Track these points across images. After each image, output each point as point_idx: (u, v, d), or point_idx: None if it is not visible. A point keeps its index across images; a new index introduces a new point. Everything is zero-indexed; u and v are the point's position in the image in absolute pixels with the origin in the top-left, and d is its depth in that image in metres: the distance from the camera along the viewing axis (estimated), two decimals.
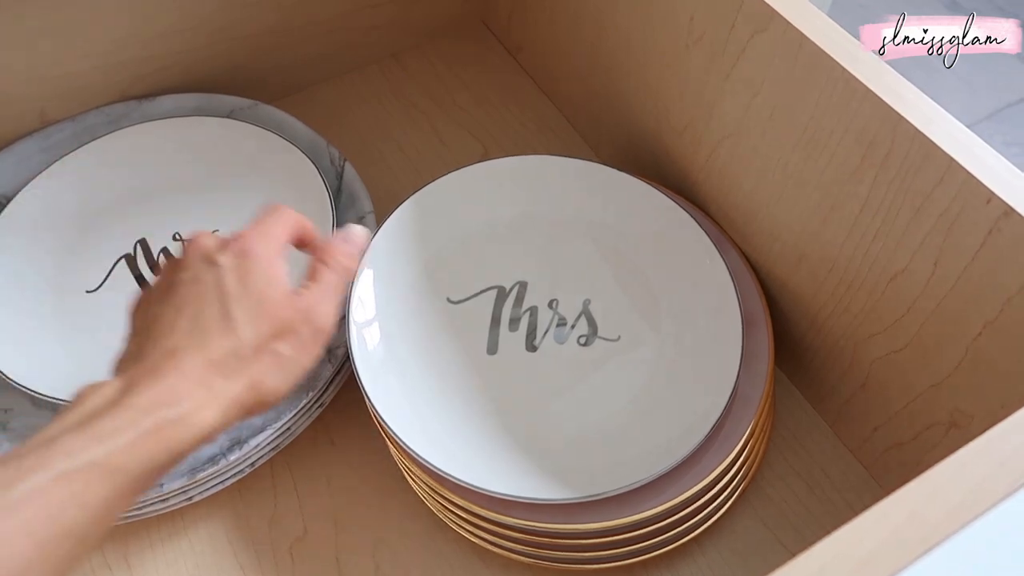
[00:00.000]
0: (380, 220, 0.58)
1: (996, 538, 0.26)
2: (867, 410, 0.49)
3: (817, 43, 0.40)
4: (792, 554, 0.28)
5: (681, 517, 0.46)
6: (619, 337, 0.51)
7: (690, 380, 0.49)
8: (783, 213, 0.48)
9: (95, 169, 0.58)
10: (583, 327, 0.52)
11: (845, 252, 0.45)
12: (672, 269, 0.52)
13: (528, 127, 0.69)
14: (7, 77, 0.58)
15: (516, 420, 0.48)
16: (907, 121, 0.37)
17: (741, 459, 0.47)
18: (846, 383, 0.50)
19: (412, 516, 0.51)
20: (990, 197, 0.35)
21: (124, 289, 0.54)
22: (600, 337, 0.51)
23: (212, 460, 0.47)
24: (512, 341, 0.51)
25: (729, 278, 0.50)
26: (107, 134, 0.60)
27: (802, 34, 0.40)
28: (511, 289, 0.53)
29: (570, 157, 0.56)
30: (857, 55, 0.39)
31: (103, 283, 0.55)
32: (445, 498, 0.45)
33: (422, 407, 0.48)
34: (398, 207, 0.54)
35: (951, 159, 0.36)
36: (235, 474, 0.49)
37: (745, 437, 0.46)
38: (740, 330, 0.48)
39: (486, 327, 0.52)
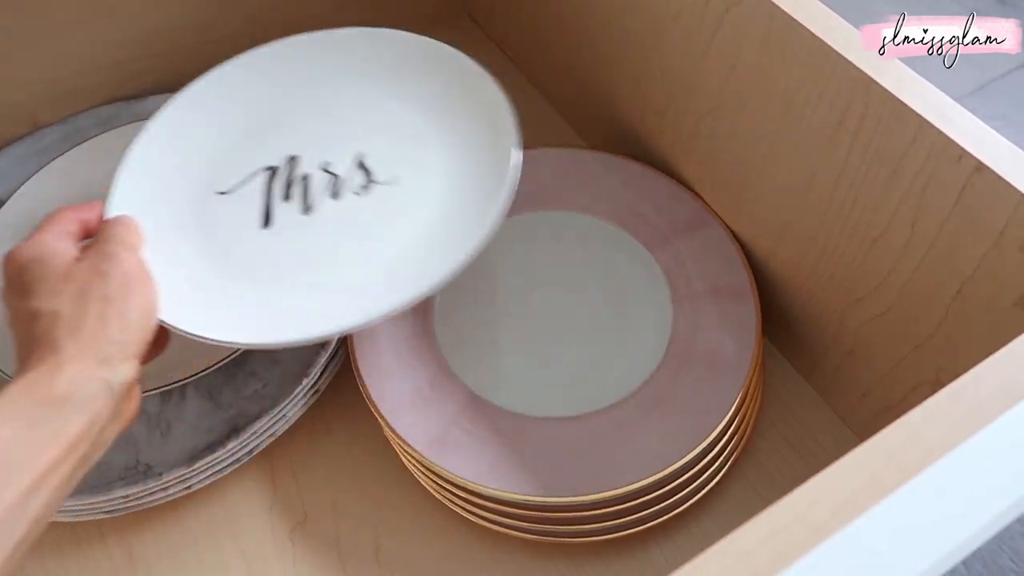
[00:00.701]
0: None
1: (967, 472, 0.26)
2: (855, 376, 0.50)
3: (789, 12, 0.41)
4: None
5: (675, 487, 0.46)
6: (398, 179, 0.49)
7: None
8: (766, 184, 0.48)
9: (85, 169, 0.59)
10: (359, 178, 0.49)
11: (827, 219, 0.45)
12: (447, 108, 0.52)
13: None
14: None
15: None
16: (878, 84, 0.38)
17: (732, 428, 0.48)
18: (833, 350, 0.51)
19: (411, 497, 0.51)
20: (961, 154, 0.36)
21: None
22: (376, 183, 0.49)
23: (210, 448, 0.48)
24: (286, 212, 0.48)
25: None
26: (97, 135, 0.60)
27: (774, 4, 0.41)
28: (284, 164, 0.50)
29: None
30: (828, 23, 0.40)
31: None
32: (441, 477, 0.46)
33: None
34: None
35: (922, 119, 0.37)
36: (233, 462, 0.49)
37: (735, 406, 0.47)
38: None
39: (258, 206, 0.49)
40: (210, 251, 0.47)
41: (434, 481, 0.48)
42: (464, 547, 0.50)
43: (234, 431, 0.48)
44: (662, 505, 0.47)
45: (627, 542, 0.49)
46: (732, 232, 0.54)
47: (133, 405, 0.39)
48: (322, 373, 0.51)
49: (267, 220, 0.48)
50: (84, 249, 0.41)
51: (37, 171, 0.59)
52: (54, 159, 0.59)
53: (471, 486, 0.45)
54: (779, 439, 0.53)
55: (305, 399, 0.51)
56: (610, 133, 0.63)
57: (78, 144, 0.60)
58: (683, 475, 0.46)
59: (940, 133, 0.36)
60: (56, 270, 0.38)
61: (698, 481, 0.48)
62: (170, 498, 0.49)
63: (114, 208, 0.45)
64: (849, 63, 0.39)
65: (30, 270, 0.39)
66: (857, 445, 0.49)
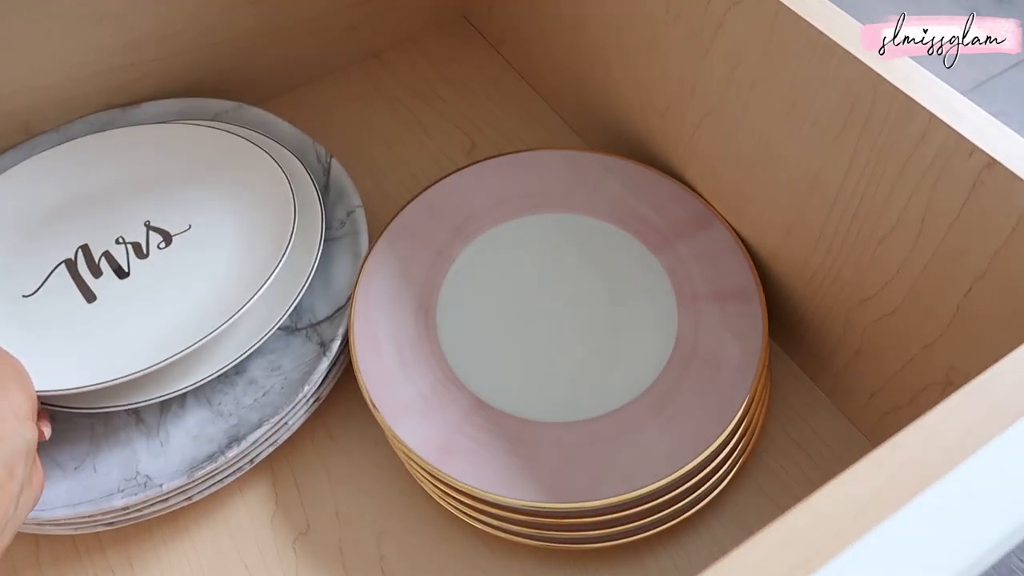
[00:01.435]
0: (370, 215, 0.58)
1: (989, 475, 0.26)
2: (863, 377, 0.49)
3: (793, 9, 0.40)
4: None
5: (683, 491, 0.46)
6: (189, 226, 0.55)
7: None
8: (770, 183, 0.48)
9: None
10: (155, 238, 0.55)
11: (833, 218, 0.45)
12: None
13: (512, 117, 0.70)
14: None
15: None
16: (886, 80, 0.37)
17: (740, 431, 0.47)
18: (841, 351, 0.50)
19: (415, 505, 0.50)
20: (972, 150, 0.35)
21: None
22: (173, 234, 0.55)
23: (210, 458, 0.47)
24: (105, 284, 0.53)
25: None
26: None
27: (778, 2, 0.41)
28: (76, 254, 0.54)
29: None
30: (833, 18, 0.40)
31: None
32: (447, 484, 0.45)
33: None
34: None
35: (931, 115, 0.36)
36: (234, 471, 0.49)
37: (743, 409, 0.46)
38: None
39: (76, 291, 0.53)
40: (43, 337, 0.51)
41: (439, 488, 0.47)
42: (470, 555, 0.49)
43: (235, 440, 0.47)
44: (670, 510, 0.46)
45: (635, 547, 0.48)
46: (736, 232, 0.53)
47: (39, 479, 0.40)
48: (323, 380, 0.50)
49: (90, 296, 0.52)
50: None
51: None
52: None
53: (477, 493, 0.44)
54: (787, 441, 0.52)
55: (307, 407, 0.50)
56: (611, 134, 0.63)
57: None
58: (691, 479, 0.46)
59: (950, 129, 0.36)
60: None
61: (706, 485, 0.47)
62: (170, 509, 0.48)
63: None
64: (855, 59, 0.38)
65: None
66: (866, 446, 0.49)
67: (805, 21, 0.40)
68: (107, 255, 0.54)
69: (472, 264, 0.54)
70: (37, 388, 0.43)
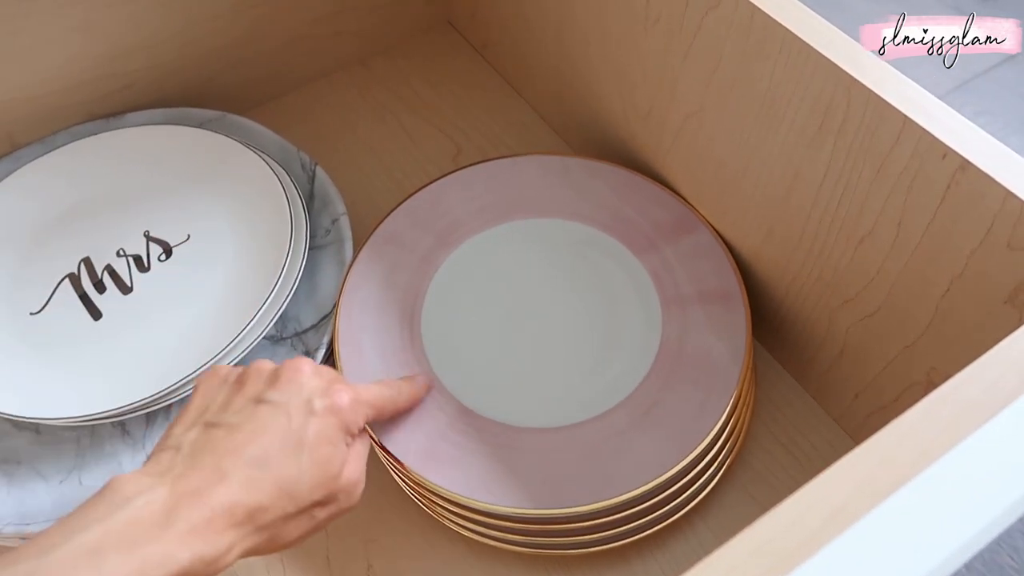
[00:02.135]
0: (355, 222, 0.58)
1: (962, 476, 0.26)
2: (847, 377, 0.49)
3: (769, 13, 0.40)
4: None
5: (669, 495, 0.46)
6: (188, 236, 0.55)
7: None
8: (749, 186, 0.48)
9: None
10: (156, 249, 0.55)
11: (812, 220, 0.45)
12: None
13: (498, 122, 0.70)
14: None
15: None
16: (860, 83, 0.37)
17: (725, 434, 0.47)
18: (824, 352, 0.50)
19: (402, 514, 0.50)
20: (946, 152, 0.35)
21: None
22: (173, 245, 0.55)
23: None
24: (108, 299, 0.53)
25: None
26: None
27: (753, 6, 0.41)
28: (79, 267, 0.55)
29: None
30: (809, 23, 0.40)
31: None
32: (432, 491, 0.45)
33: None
34: None
35: (905, 117, 0.36)
36: None
37: (727, 411, 0.46)
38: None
39: (82, 308, 0.53)
40: (52, 359, 0.51)
41: (425, 496, 0.47)
42: (457, 562, 0.49)
43: None
44: (656, 514, 0.46)
45: (622, 552, 0.48)
46: (719, 235, 0.53)
47: None
48: None
49: (96, 314, 0.52)
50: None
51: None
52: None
53: (463, 500, 0.44)
54: (772, 442, 0.52)
55: None
56: (594, 138, 0.63)
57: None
58: (677, 483, 0.46)
59: (924, 131, 0.36)
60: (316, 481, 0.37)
61: (692, 488, 0.47)
62: None
63: None
64: (830, 62, 0.38)
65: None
66: (851, 446, 0.49)
67: (780, 25, 0.40)
68: (109, 269, 0.54)
69: (456, 271, 0.54)
70: (48, 414, 0.45)
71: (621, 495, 0.44)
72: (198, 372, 0.47)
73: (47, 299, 0.53)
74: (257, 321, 0.50)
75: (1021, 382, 0.28)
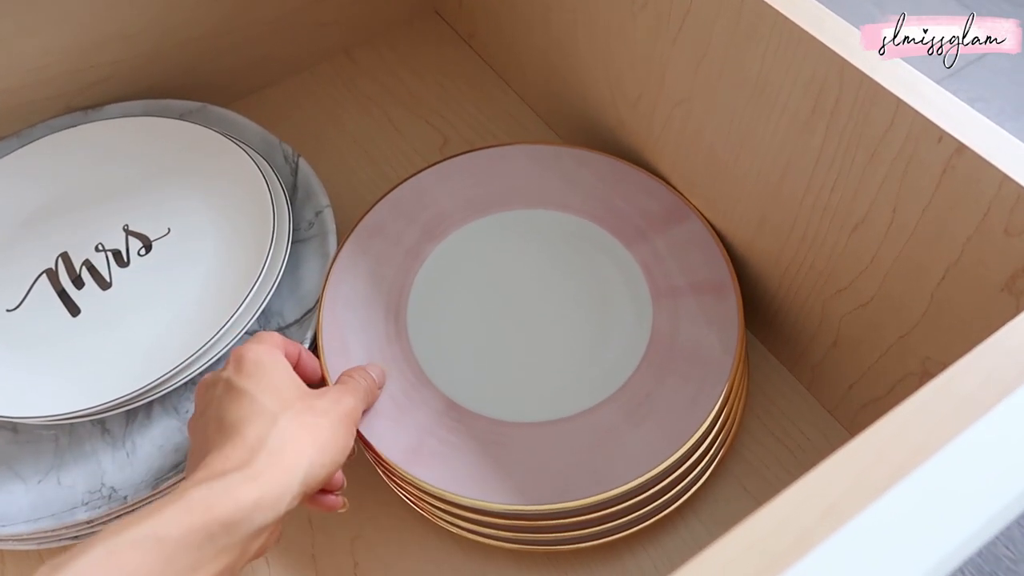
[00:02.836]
0: (339, 214, 0.57)
1: (957, 472, 0.25)
2: (841, 368, 0.48)
3: None
4: None
5: (660, 489, 0.45)
6: (168, 230, 0.54)
7: None
8: (741, 174, 0.47)
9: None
10: (135, 244, 0.53)
11: (805, 207, 0.44)
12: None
13: (485, 112, 0.69)
14: None
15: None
16: (852, 65, 0.36)
17: (717, 426, 0.46)
18: (818, 342, 0.49)
19: (389, 510, 0.50)
20: (941, 135, 0.34)
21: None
22: (152, 239, 0.54)
23: (177, 468, 0.46)
24: (87, 295, 0.52)
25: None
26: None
27: None
28: (56, 263, 0.53)
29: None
30: (798, 3, 0.39)
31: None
32: (418, 488, 0.44)
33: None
34: None
35: (899, 100, 0.35)
36: None
37: (719, 403, 0.45)
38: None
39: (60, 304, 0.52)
40: (29, 357, 0.49)
41: (411, 492, 0.46)
42: (445, 558, 0.48)
43: None
44: (647, 508, 0.46)
45: (614, 547, 0.48)
46: (711, 224, 0.52)
47: (267, 542, 0.38)
48: None
49: (75, 310, 0.51)
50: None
51: None
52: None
53: (449, 496, 0.44)
54: (766, 433, 0.52)
55: None
56: (584, 127, 0.62)
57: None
58: (669, 476, 0.45)
59: (918, 114, 0.35)
60: (295, 382, 0.40)
61: (684, 482, 0.46)
62: None
63: None
64: (822, 44, 0.37)
65: (280, 366, 0.40)
66: (845, 438, 0.48)
67: (770, 7, 0.39)
68: (88, 264, 0.53)
69: (443, 263, 0.53)
70: (27, 413, 0.45)
71: (611, 490, 0.43)
72: (178, 368, 0.46)
73: (24, 295, 0.52)
74: (239, 316, 0.48)
75: (1019, 373, 0.27)
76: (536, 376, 0.49)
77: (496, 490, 0.44)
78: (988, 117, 0.35)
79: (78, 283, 0.52)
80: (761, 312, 0.52)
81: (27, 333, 0.50)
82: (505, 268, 0.53)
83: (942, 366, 0.41)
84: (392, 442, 0.45)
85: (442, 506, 0.45)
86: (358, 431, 0.45)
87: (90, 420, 0.48)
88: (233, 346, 0.49)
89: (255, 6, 0.65)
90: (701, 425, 0.45)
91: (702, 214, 0.53)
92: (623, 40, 0.51)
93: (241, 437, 0.36)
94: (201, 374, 0.48)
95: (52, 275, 0.53)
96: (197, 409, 0.41)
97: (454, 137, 0.67)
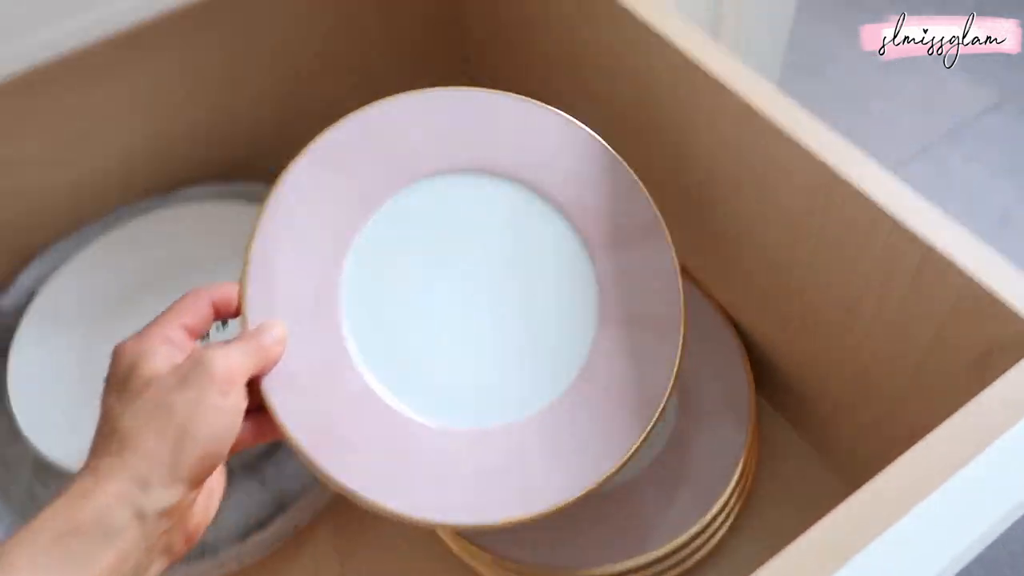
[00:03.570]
0: None
1: (928, 529, 0.32)
2: (842, 430, 0.54)
3: (756, 108, 0.46)
4: None
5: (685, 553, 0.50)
6: None
7: None
8: (752, 256, 0.53)
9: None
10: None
11: (806, 288, 0.50)
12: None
13: None
14: (36, 190, 0.63)
15: None
16: (840, 176, 0.43)
17: (737, 484, 0.52)
18: (820, 406, 0.55)
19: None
20: (913, 238, 0.41)
21: None
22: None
23: (260, 525, 0.52)
24: None
25: None
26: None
27: (748, 105, 0.46)
28: None
29: None
30: (796, 117, 0.45)
31: None
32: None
33: None
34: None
35: (878, 207, 0.42)
36: (277, 539, 0.53)
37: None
38: None
39: None
40: None
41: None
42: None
43: (280, 508, 0.52)
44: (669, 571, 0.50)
45: None
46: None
47: (182, 537, 0.35)
48: None
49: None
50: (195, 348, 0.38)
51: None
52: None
53: (345, 492, 0.41)
54: (777, 491, 0.57)
55: None
56: None
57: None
58: (692, 542, 0.50)
59: (894, 221, 0.41)
60: (143, 376, 0.35)
61: (701, 538, 0.51)
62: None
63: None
64: (813, 156, 0.44)
65: (125, 368, 0.36)
66: (846, 493, 0.54)
67: (770, 121, 0.45)
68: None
69: (400, 217, 0.46)
70: None
71: (525, 515, 0.42)
72: None
73: None
74: None
75: (984, 437, 0.35)
76: (460, 379, 0.45)
77: (401, 493, 0.41)
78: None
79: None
80: (770, 375, 0.59)
81: None
82: (461, 244, 0.47)
83: (928, 430, 0.47)
84: (301, 419, 0.41)
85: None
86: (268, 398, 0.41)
87: None
88: None
89: (315, 91, 0.71)
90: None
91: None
92: (643, 110, 0.57)
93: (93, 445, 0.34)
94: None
95: None
96: None
97: None
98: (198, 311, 0.39)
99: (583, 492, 0.43)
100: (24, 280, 0.62)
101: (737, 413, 0.53)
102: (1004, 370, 0.38)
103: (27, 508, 0.53)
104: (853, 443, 0.54)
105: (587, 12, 0.56)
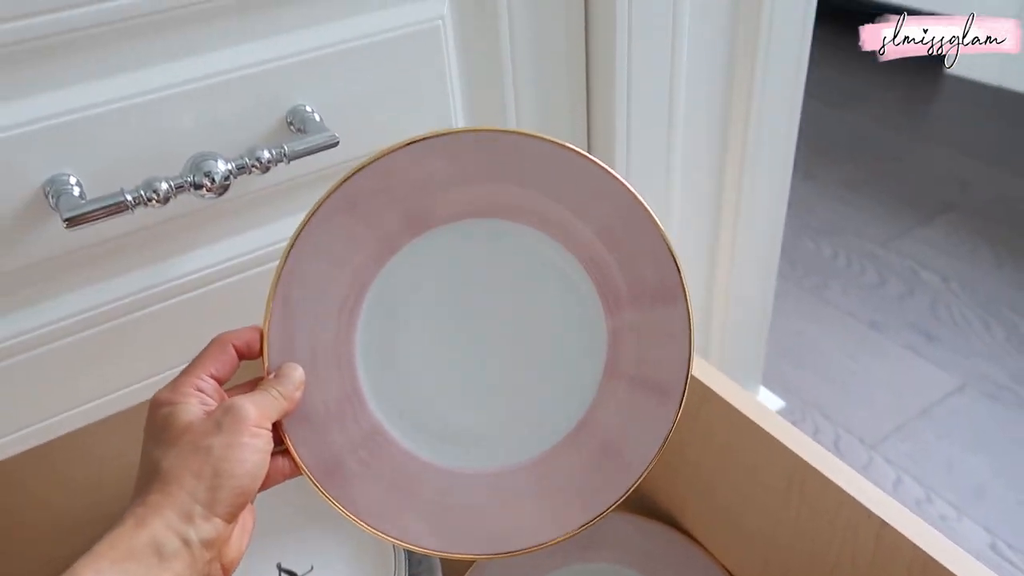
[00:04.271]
0: None
1: None
2: None
3: (739, 408, 0.59)
4: None
5: None
6: (311, 567, 0.59)
7: None
8: (748, 524, 0.64)
9: None
10: None
11: (797, 547, 0.60)
12: None
13: None
14: None
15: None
16: (810, 465, 0.55)
17: None
18: None
19: None
20: (870, 514, 0.52)
21: None
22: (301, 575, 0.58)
23: None
24: None
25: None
26: None
27: (729, 404, 0.60)
28: None
29: None
30: (772, 419, 0.58)
31: None
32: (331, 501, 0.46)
33: None
34: None
35: (842, 490, 0.53)
36: None
37: None
38: None
39: None
40: None
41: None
42: None
43: None
44: None
45: None
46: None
47: (220, 568, 0.39)
48: None
49: None
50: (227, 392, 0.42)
51: None
52: None
53: (351, 519, 0.45)
54: None
55: None
56: None
57: None
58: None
59: (855, 500, 0.53)
60: (179, 424, 0.39)
61: None
62: None
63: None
64: (787, 449, 0.57)
65: (162, 417, 0.40)
66: None
67: (749, 419, 0.58)
68: None
69: (418, 261, 0.46)
70: None
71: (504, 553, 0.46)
72: None
73: None
74: None
75: None
76: (468, 422, 0.48)
77: (402, 524, 0.46)
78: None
79: None
80: None
81: None
82: (482, 292, 0.48)
83: None
84: (312, 451, 0.45)
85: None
86: (286, 434, 0.45)
87: None
88: None
89: None
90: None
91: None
92: None
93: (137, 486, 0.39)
94: None
95: None
96: None
97: None
98: (224, 359, 0.43)
99: (564, 536, 0.47)
100: None
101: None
102: None
103: None
104: None
105: None
